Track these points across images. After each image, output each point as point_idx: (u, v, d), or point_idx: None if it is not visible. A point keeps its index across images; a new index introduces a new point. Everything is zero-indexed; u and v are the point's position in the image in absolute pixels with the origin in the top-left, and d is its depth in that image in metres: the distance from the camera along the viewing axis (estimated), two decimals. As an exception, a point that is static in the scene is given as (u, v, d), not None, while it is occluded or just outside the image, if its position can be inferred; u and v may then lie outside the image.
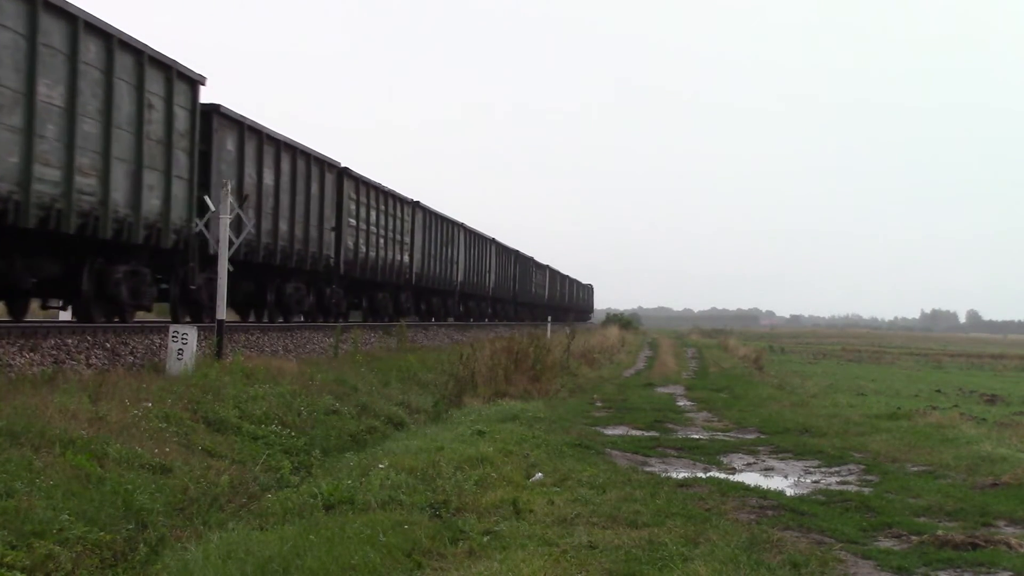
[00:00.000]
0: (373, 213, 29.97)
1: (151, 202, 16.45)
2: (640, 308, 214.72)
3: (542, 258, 77.64)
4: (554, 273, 78.27)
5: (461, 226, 42.70)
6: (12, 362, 12.48)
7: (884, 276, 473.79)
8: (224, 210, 16.49)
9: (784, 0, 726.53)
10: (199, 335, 15.89)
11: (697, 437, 15.06)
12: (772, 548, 7.61)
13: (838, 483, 11.21)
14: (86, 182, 14.56)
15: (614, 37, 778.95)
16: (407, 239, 33.92)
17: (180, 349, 14.42)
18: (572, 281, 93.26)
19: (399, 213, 32.93)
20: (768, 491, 10.23)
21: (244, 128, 20.61)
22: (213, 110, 19.22)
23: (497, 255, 52.12)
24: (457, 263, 41.66)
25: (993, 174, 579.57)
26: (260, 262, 21.75)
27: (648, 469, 11.78)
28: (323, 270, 25.87)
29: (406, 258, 33.82)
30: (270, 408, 13.11)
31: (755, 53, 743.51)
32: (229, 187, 16.76)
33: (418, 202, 35.49)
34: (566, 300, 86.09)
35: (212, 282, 18.52)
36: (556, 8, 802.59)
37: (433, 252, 37.63)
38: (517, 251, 59.20)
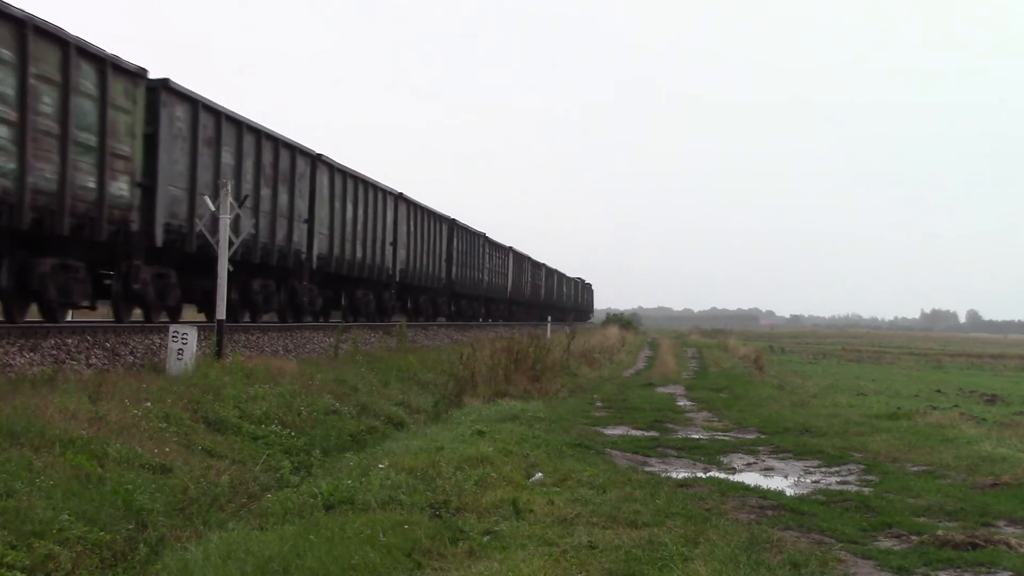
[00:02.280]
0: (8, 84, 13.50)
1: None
2: (640, 308, 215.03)
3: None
4: (521, 257, 60.35)
5: (318, 160, 25.46)
6: (12, 362, 12.49)
7: (884, 276, 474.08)
8: (224, 210, 16.51)
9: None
10: (199, 335, 15.89)
11: (697, 437, 15.06)
12: (772, 548, 7.60)
13: (838, 483, 11.21)
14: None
15: (615, 37, 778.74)
16: (126, 147, 16.13)
17: (180, 349, 14.42)
18: (561, 275, 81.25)
19: (122, 101, 16.10)
20: (768, 491, 10.23)
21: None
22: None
23: (412, 221, 35.01)
24: (313, 221, 25.12)
25: (993, 174, 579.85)
26: None
27: (648, 469, 11.78)
28: None
29: (122, 192, 16.11)
30: (270, 408, 13.12)
31: (755, 53, 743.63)
32: (229, 187, 16.76)
33: (194, 97, 18.40)
34: (542, 295, 70.50)
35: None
36: (558, 8, 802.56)
37: (253, 201, 21.28)
38: (454, 220, 41.73)
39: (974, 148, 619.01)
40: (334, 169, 26.86)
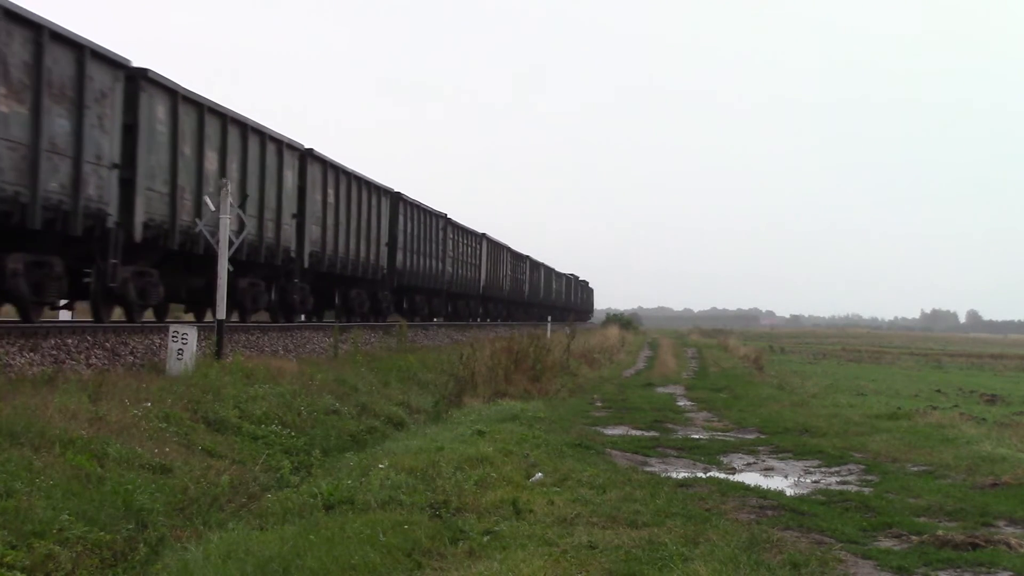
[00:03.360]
0: None
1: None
2: (640, 308, 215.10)
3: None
4: (498, 246, 51.49)
5: (142, 79, 16.75)
6: (12, 362, 12.48)
7: (884, 276, 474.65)
8: (224, 210, 16.51)
9: None
10: (199, 335, 15.89)
11: (697, 437, 15.06)
12: (772, 548, 7.60)
13: (838, 483, 11.21)
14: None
15: (614, 36, 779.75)
16: None
17: (180, 349, 14.43)
18: (549, 270, 73.08)
19: None
20: (768, 491, 10.23)
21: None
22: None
23: (331, 189, 26.24)
24: (135, 170, 16.58)
25: (993, 174, 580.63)
26: None
27: (648, 469, 11.78)
28: None
29: None
30: (270, 408, 13.12)
31: (754, 52, 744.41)
32: (228, 188, 16.77)
33: None
34: (527, 292, 62.07)
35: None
36: (557, 6, 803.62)
37: None
38: (399, 194, 33.29)
39: (974, 148, 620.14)
40: (178, 98, 17.66)
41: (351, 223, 28.01)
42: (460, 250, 42.84)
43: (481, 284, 47.32)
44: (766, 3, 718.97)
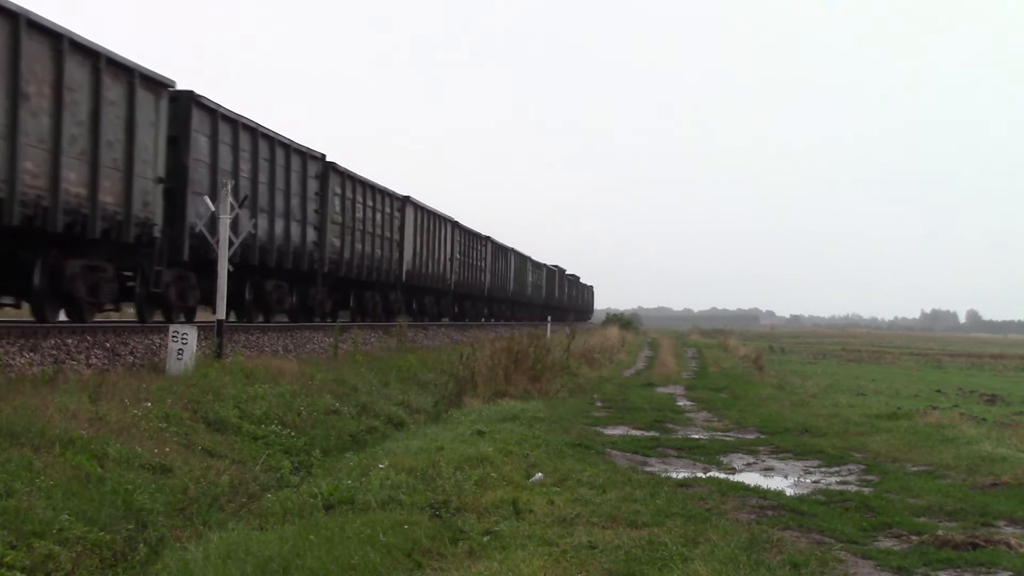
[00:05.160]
0: None
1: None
2: (640, 308, 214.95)
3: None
4: (436, 219, 37.95)
5: None
6: (12, 362, 12.48)
7: (884, 276, 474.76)
8: (224, 210, 16.51)
9: None
10: (199, 335, 15.89)
11: (697, 437, 15.07)
12: (772, 548, 7.61)
13: (838, 483, 11.21)
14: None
15: (612, 35, 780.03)
16: None
17: (180, 349, 14.42)
18: (523, 257, 59.59)
19: None
20: (768, 491, 10.23)
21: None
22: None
23: (20, 52, 12.91)
24: None
25: (994, 174, 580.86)
26: None
27: (648, 469, 11.78)
28: None
29: None
30: (270, 408, 13.12)
31: (754, 51, 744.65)
32: (229, 188, 16.76)
33: None
34: (487, 284, 48.77)
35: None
36: (556, 4, 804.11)
37: None
38: (217, 109, 19.23)
39: (974, 147, 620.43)
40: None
41: (79, 138, 14.71)
42: (359, 215, 28.79)
43: (404, 269, 33.46)
44: (767, 2, 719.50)
